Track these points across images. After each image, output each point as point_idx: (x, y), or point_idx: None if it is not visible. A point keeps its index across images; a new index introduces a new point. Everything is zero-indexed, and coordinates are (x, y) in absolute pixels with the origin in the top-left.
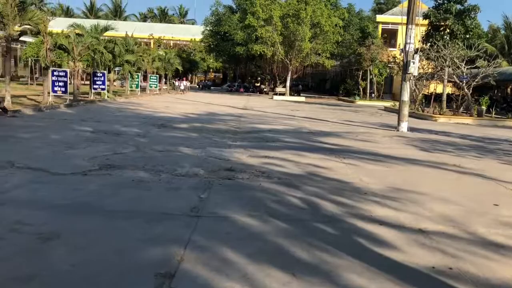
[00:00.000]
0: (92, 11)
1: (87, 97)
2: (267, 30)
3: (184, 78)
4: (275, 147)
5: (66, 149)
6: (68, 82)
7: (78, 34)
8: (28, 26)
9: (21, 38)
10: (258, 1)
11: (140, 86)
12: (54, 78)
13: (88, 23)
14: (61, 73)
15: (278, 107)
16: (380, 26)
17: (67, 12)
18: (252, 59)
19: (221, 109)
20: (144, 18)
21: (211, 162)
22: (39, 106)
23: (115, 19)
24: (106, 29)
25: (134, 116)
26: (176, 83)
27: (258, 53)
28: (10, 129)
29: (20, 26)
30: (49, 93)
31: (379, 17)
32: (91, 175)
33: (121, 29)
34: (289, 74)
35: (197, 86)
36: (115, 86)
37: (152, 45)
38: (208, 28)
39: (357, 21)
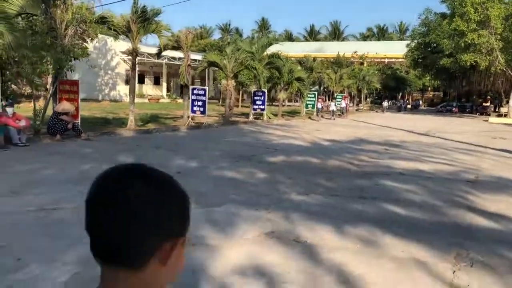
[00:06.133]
0: (312, 35)
1: (247, 119)
2: (481, 35)
3: (345, 96)
4: (354, 216)
5: None
6: (207, 101)
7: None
8: (170, 42)
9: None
10: (469, 0)
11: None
12: (193, 97)
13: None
14: (200, 92)
15: (478, 134)
16: None
17: (290, 37)
18: (464, 72)
19: (385, 134)
20: (363, 38)
21: None
22: (153, 128)
23: (333, 41)
24: (270, 44)
25: (242, 143)
26: (319, 105)
27: (469, 64)
28: (34, 155)
29: (146, 38)
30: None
31: None
32: None
33: (334, 49)
34: None
35: (390, 106)
36: (298, 106)
37: (365, 64)
38: (415, 40)
39: None
